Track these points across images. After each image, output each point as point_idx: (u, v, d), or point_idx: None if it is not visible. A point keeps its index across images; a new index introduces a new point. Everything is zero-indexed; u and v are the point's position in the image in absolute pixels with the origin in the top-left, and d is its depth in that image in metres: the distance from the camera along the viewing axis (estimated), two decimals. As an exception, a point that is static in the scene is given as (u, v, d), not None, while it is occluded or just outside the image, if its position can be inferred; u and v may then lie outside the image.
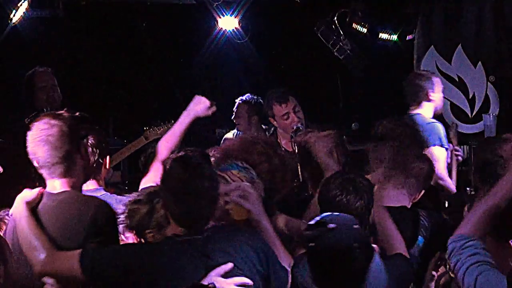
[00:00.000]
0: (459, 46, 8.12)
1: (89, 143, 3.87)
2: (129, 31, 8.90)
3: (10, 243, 3.62)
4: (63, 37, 8.49)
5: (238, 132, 7.58)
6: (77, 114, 3.88)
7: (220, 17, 8.54)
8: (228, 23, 8.60)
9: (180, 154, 3.62)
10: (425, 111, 6.36)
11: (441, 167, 6.00)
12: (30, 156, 3.78)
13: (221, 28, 8.66)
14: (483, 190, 4.08)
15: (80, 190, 3.87)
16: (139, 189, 4.48)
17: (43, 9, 8.06)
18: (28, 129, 3.78)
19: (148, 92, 8.93)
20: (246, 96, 7.67)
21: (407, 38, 8.51)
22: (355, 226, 3.22)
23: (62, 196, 3.74)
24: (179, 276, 3.38)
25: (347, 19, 8.48)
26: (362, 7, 8.40)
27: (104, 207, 3.71)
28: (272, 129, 6.82)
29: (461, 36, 8.13)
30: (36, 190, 3.77)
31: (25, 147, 3.79)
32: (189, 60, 9.03)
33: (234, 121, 7.62)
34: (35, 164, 3.79)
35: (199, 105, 4.71)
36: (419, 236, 4.34)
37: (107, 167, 4.61)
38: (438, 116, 6.59)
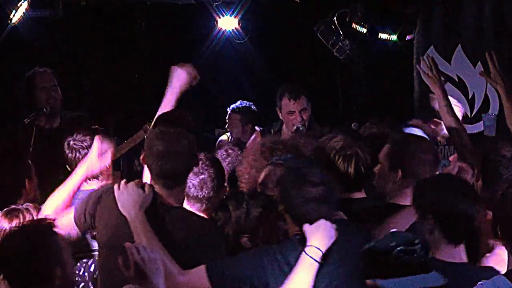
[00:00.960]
0: (459, 46, 8.12)
1: None
2: (129, 31, 8.90)
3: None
4: (63, 37, 8.49)
5: (233, 136, 7.56)
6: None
7: (220, 17, 8.54)
8: (228, 23, 8.60)
9: (292, 163, 3.84)
10: None
11: None
12: (155, 164, 3.77)
13: (221, 28, 8.66)
14: (485, 187, 4.17)
15: None
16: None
17: (43, 9, 8.06)
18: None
19: (148, 92, 8.92)
20: (237, 104, 7.62)
21: (407, 38, 8.50)
22: None
23: (178, 213, 3.78)
24: None
25: (347, 19, 8.47)
26: (362, 7, 8.40)
27: (212, 227, 3.80)
28: (277, 128, 6.78)
29: (461, 36, 8.12)
30: (149, 194, 3.74)
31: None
32: (189, 60, 9.01)
33: (228, 129, 7.59)
34: (153, 171, 3.79)
35: (181, 78, 4.84)
36: None
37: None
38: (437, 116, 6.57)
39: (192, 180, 4.35)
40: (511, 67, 7.88)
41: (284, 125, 6.59)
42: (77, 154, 4.75)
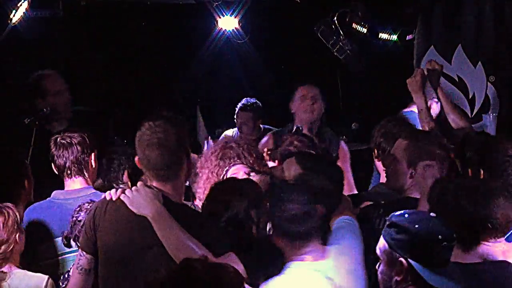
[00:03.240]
0: (459, 46, 8.11)
1: None
2: (129, 31, 8.90)
3: None
4: (63, 37, 8.49)
5: (238, 131, 7.57)
6: None
7: (220, 17, 8.55)
8: (228, 23, 8.61)
9: None
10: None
11: None
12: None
13: (221, 28, 8.67)
14: None
15: None
16: None
17: (43, 9, 8.06)
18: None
19: (148, 92, 8.93)
20: (244, 101, 7.61)
21: (407, 38, 8.51)
22: None
23: (183, 209, 3.82)
24: None
25: (347, 19, 8.48)
26: (362, 7, 8.41)
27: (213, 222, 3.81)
28: (289, 129, 6.76)
29: (461, 36, 8.12)
30: (159, 192, 3.72)
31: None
32: (189, 60, 9.03)
33: (238, 129, 7.58)
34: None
35: None
36: None
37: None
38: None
39: None
40: (511, 67, 7.91)
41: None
42: (63, 150, 4.66)
